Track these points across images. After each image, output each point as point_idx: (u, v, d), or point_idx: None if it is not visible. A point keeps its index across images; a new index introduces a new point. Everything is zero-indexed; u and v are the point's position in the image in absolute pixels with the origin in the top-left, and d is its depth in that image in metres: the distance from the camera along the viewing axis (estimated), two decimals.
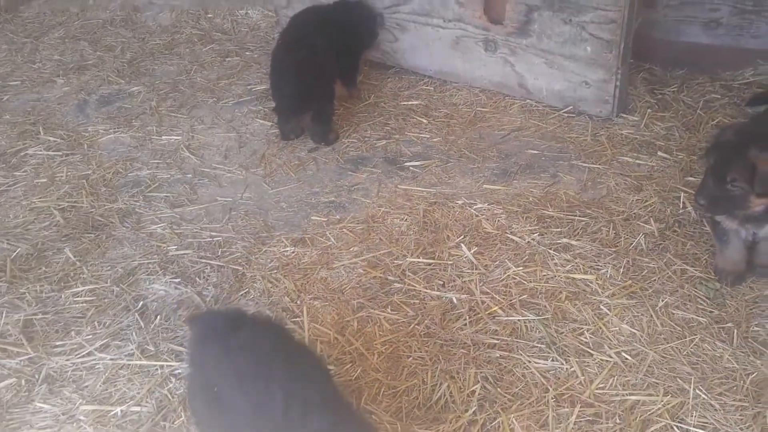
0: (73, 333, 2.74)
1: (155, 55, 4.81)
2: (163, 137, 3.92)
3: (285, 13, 4.63)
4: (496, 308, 2.74)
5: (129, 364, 2.60)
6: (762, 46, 4.02)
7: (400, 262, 2.98)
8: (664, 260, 2.90)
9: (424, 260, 2.99)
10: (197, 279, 2.97)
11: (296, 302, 2.80)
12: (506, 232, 3.10)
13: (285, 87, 3.70)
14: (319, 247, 3.08)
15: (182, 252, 3.11)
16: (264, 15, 5.14)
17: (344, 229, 3.18)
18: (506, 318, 2.70)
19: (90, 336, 2.72)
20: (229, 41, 4.94)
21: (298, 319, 2.72)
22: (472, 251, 3.00)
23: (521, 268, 2.91)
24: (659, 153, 3.51)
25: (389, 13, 4.23)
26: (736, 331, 2.60)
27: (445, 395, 2.42)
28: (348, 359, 2.55)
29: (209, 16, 5.23)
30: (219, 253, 3.09)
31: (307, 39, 3.76)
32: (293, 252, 3.06)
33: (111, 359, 2.62)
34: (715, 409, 2.34)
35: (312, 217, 3.28)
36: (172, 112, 4.14)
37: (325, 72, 3.74)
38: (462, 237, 3.09)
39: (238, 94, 4.29)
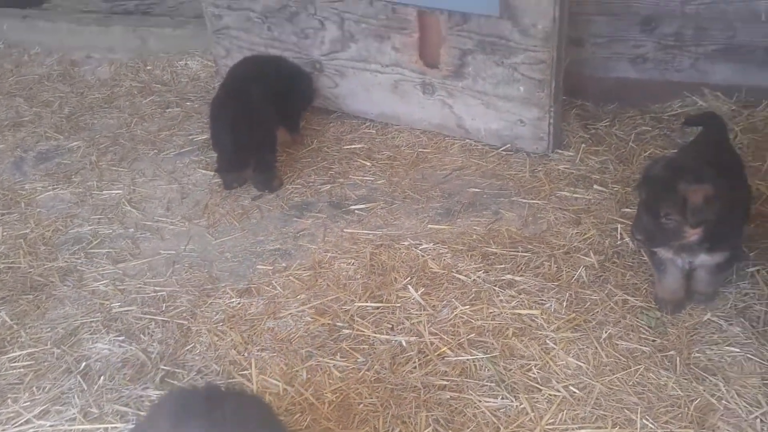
0: (9, 401, 2.64)
1: (94, 109, 4.75)
2: (104, 192, 3.86)
3: (224, 62, 4.65)
4: (445, 349, 2.75)
5: (71, 430, 2.51)
6: (686, 79, 4.20)
7: (349, 308, 2.98)
8: (606, 291, 2.97)
9: (372, 304, 2.99)
10: (142, 336, 2.91)
11: (243, 354, 2.77)
12: (452, 271, 3.13)
13: (225, 138, 3.69)
14: (265, 297, 3.06)
15: (126, 308, 3.05)
16: (203, 65, 5.15)
17: (291, 277, 3.16)
18: (455, 358, 2.71)
19: (28, 403, 2.63)
20: (169, 92, 4.92)
21: (245, 372, 2.69)
22: (419, 292, 3.02)
23: (468, 306, 2.94)
24: (595, 186, 3.62)
25: (328, 60, 4.29)
26: (678, 358, 2.66)
27: None
28: (297, 409, 2.52)
29: (148, 68, 5.21)
30: (163, 308, 3.05)
31: (244, 88, 3.78)
32: (239, 303, 3.03)
33: (51, 426, 2.53)
34: None
35: (257, 266, 3.26)
36: (113, 166, 4.09)
37: (263, 120, 3.75)
38: (409, 278, 3.11)
39: (179, 144, 4.27)
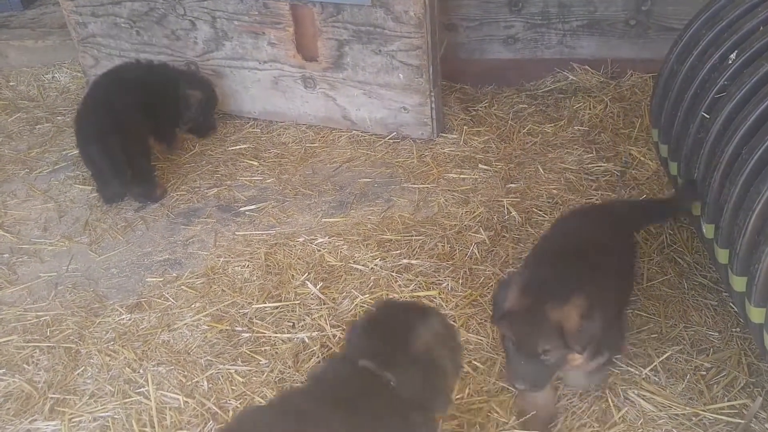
0: None
1: None
2: None
3: (93, 72, 4.43)
4: None
5: None
6: (556, 55, 4.38)
7: (246, 311, 2.91)
8: (498, 265, 3.05)
9: (271, 304, 2.94)
10: (25, 366, 2.73)
11: (138, 372, 2.65)
12: (349, 262, 3.12)
13: (94, 153, 3.50)
14: (157, 310, 2.94)
15: (5, 339, 2.86)
16: (73, 77, 4.89)
17: (183, 287, 3.06)
18: None
19: None
20: (37, 108, 4.64)
21: (142, 389, 2.57)
22: (318, 287, 2.99)
23: (368, 295, 2.94)
24: (480, 166, 3.71)
25: (203, 61, 4.17)
26: None
27: None
28: (200, 421, 2.43)
29: (11, 84, 4.90)
30: (48, 333, 2.87)
31: (107, 99, 3.60)
32: (130, 319, 2.90)
33: None
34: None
35: (147, 279, 3.13)
36: None
37: (131, 130, 3.56)
38: (307, 274, 3.07)
39: (52, 161, 4.03)
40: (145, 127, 3.69)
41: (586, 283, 2.13)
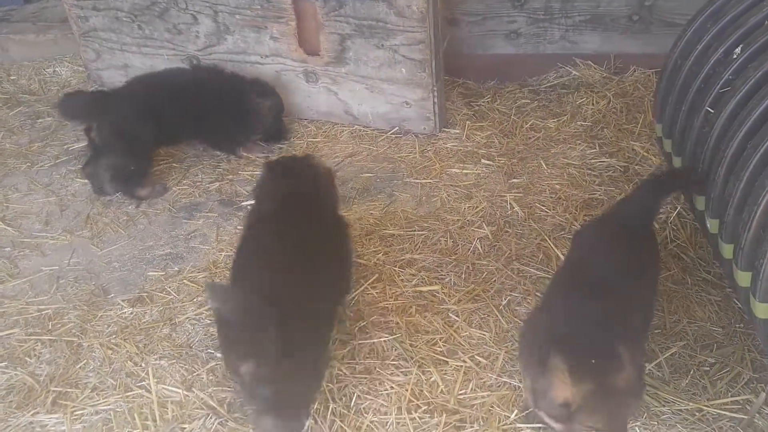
0: None
1: None
2: None
3: (95, 66, 4.44)
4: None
5: None
6: (558, 50, 4.37)
7: None
8: (501, 261, 3.04)
9: None
10: (27, 359, 2.72)
11: (140, 365, 2.64)
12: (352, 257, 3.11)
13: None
14: (159, 304, 2.93)
15: (7, 332, 2.84)
16: (74, 71, 4.87)
17: (185, 281, 3.04)
18: (360, 342, 2.69)
19: None
20: (38, 102, 4.62)
21: (143, 382, 2.56)
22: None
23: (370, 289, 2.93)
24: (483, 161, 3.70)
25: (204, 55, 4.16)
26: None
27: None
28: (201, 414, 2.43)
29: (12, 78, 4.88)
30: (50, 327, 2.86)
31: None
32: (132, 313, 2.89)
33: None
34: None
35: (148, 273, 3.12)
36: None
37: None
38: None
39: (54, 155, 4.02)
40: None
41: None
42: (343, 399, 2.47)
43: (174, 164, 3.87)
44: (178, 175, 3.78)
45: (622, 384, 1.90)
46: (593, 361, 1.91)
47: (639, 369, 2.00)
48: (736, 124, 2.37)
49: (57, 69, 4.92)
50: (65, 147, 4.09)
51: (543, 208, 3.33)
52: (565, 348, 1.93)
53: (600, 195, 3.38)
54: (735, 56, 2.53)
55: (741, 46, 2.54)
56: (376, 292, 2.91)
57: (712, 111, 2.54)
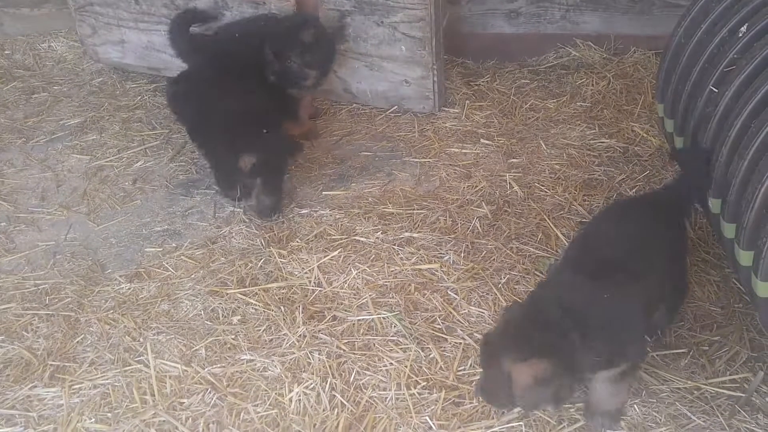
0: None
1: None
2: None
3: (91, 42, 4.38)
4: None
5: None
6: (559, 30, 4.33)
7: (246, 282, 2.89)
8: (500, 240, 3.03)
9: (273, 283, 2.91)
10: (24, 333, 2.71)
11: (138, 340, 2.63)
12: (351, 235, 3.10)
13: None
14: (157, 279, 2.92)
15: (4, 307, 2.83)
16: (69, 46, 4.81)
17: (182, 257, 3.03)
18: (357, 318, 2.69)
19: None
20: (33, 77, 4.57)
21: (142, 357, 2.56)
22: (318, 262, 2.96)
23: (369, 267, 2.92)
24: (482, 140, 3.68)
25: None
26: None
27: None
28: (200, 389, 2.43)
29: (6, 52, 4.82)
30: (47, 302, 2.84)
31: None
32: (129, 288, 2.88)
33: None
34: None
35: (146, 249, 3.10)
36: None
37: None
38: (307, 246, 3.06)
39: (49, 131, 3.98)
40: None
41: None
42: (343, 375, 2.47)
43: (170, 141, 3.84)
44: (174, 152, 3.75)
45: None
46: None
47: None
48: (741, 102, 2.35)
49: (52, 44, 4.86)
50: (61, 122, 4.06)
51: (542, 187, 3.32)
52: None
53: (599, 175, 3.38)
54: (740, 35, 2.51)
55: (747, 24, 2.52)
56: (375, 271, 2.90)
57: (716, 90, 2.52)
